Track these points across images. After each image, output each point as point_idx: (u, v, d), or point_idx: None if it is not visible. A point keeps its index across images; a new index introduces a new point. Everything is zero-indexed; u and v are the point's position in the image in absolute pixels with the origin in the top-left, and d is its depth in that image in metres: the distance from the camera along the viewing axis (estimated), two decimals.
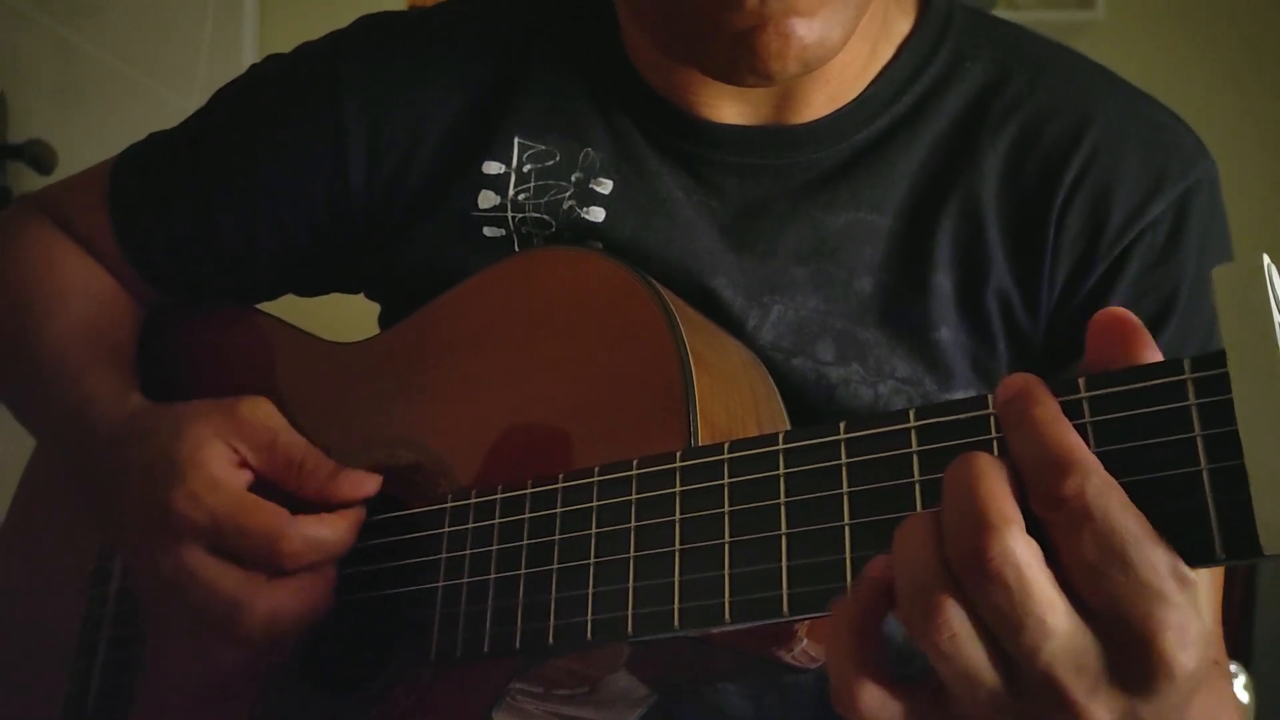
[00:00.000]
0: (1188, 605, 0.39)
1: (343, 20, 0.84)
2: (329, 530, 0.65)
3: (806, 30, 0.60)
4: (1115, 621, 0.39)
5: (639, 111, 0.75)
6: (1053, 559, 0.40)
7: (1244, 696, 1.85)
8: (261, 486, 0.67)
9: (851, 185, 0.73)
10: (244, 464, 0.67)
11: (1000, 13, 2.75)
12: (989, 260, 0.71)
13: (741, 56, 0.61)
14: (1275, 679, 2.18)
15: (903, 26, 0.75)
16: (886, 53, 0.74)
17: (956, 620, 0.41)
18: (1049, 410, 0.42)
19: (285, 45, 0.86)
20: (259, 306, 0.87)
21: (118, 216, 0.85)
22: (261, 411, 0.68)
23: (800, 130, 0.73)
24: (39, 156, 1.99)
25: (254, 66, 0.85)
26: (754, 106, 0.73)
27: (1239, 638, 2.14)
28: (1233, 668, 1.88)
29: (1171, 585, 0.39)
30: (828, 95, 0.73)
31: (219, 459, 0.66)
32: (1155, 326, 0.69)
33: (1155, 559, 0.39)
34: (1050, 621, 0.39)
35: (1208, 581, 0.42)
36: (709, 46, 0.63)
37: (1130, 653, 0.39)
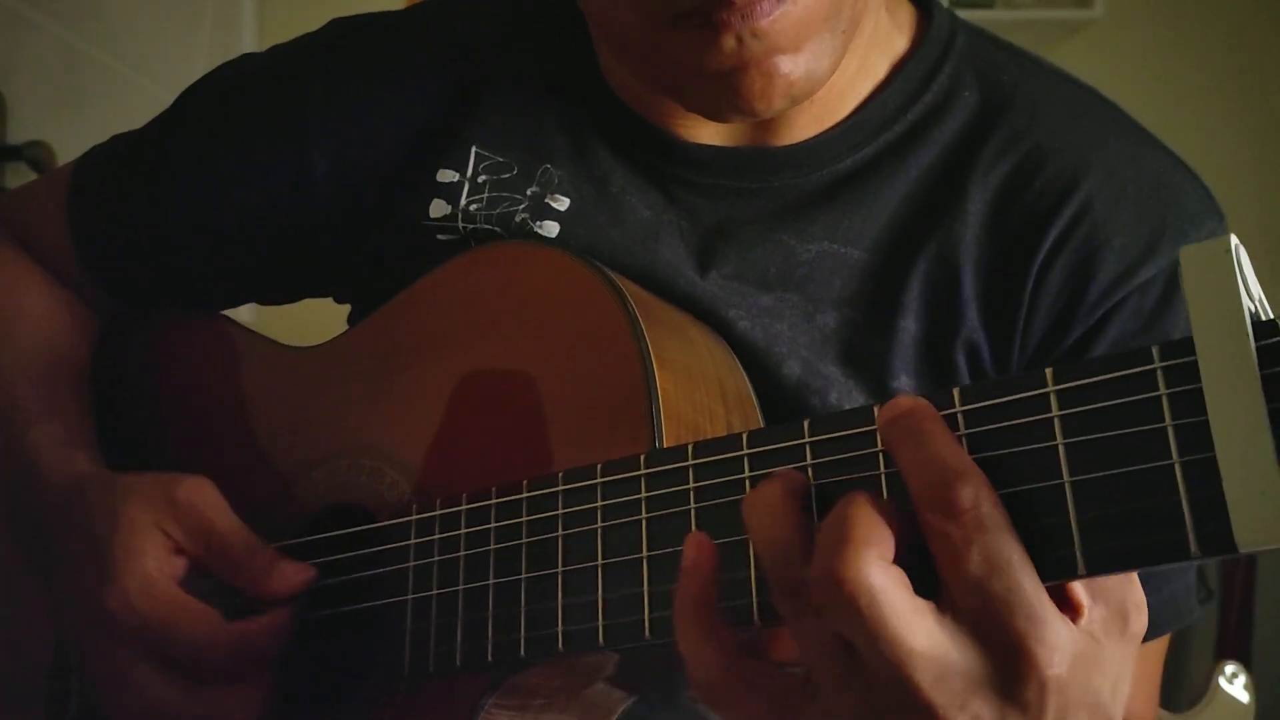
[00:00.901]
0: (1060, 623, 0.41)
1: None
2: (259, 634, 0.63)
3: (792, 67, 0.58)
4: (992, 636, 0.40)
5: (611, 128, 0.73)
6: (924, 578, 0.42)
7: (1244, 696, 1.85)
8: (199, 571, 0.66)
9: (828, 215, 0.69)
10: (180, 549, 0.66)
11: (999, 11, 2.76)
12: (961, 310, 0.67)
13: (724, 96, 0.59)
14: (1275, 679, 2.18)
15: (899, 44, 0.72)
16: (879, 69, 0.71)
17: (818, 631, 0.42)
18: (943, 425, 0.42)
19: None
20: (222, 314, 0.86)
21: (76, 223, 0.83)
22: (199, 496, 0.66)
23: (781, 153, 0.70)
24: (38, 157, 1.99)
25: (224, 66, 0.84)
26: (733, 127, 0.71)
27: (1239, 638, 2.14)
28: (1232, 668, 1.88)
29: (1044, 600, 0.40)
30: (811, 116, 0.70)
31: (153, 548, 0.65)
32: None
33: (1032, 575, 0.40)
34: (909, 644, 0.40)
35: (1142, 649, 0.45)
36: (690, 87, 0.61)
37: (1003, 664, 0.40)
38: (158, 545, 0.65)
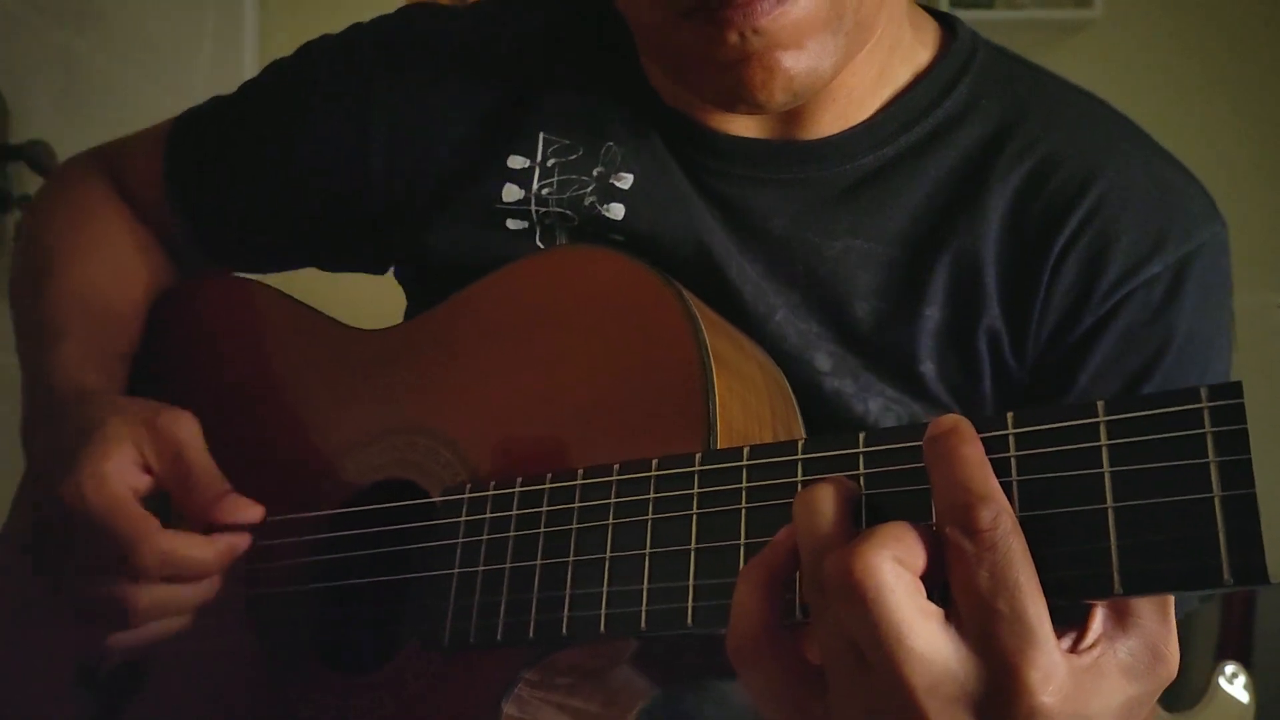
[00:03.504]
0: (1058, 653, 0.41)
1: (341, 25, 0.86)
2: (195, 550, 0.67)
3: (794, 62, 0.61)
4: (989, 651, 0.41)
5: (654, 119, 0.77)
6: (934, 586, 0.43)
7: (1244, 697, 1.85)
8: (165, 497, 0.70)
9: (852, 212, 0.73)
10: (148, 468, 0.70)
11: (999, 12, 2.76)
12: (983, 300, 0.71)
13: (730, 88, 0.63)
14: (1275, 679, 2.18)
15: (922, 57, 0.75)
16: (901, 77, 0.74)
17: (834, 630, 0.43)
18: (978, 449, 0.44)
19: (285, 50, 0.88)
20: (287, 293, 0.89)
21: (170, 175, 0.88)
22: (177, 423, 0.70)
23: (807, 146, 0.74)
24: (38, 157, 1.99)
25: (307, 45, 0.88)
26: (762, 119, 0.74)
27: (1239, 638, 2.14)
28: (1232, 668, 1.88)
29: (1047, 629, 0.41)
30: (834, 114, 0.73)
31: (120, 455, 0.68)
32: (1138, 381, 0.70)
33: (1038, 602, 0.41)
34: (909, 643, 0.41)
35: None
36: (701, 77, 0.65)
37: (996, 682, 0.41)
38: (124, 454, 0.69)
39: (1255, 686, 1.87)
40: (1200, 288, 0.69)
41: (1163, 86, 2.59)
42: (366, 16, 0.86)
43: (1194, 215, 0.71)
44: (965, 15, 0.78)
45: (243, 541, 0.69)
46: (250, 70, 2.20)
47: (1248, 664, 1.95)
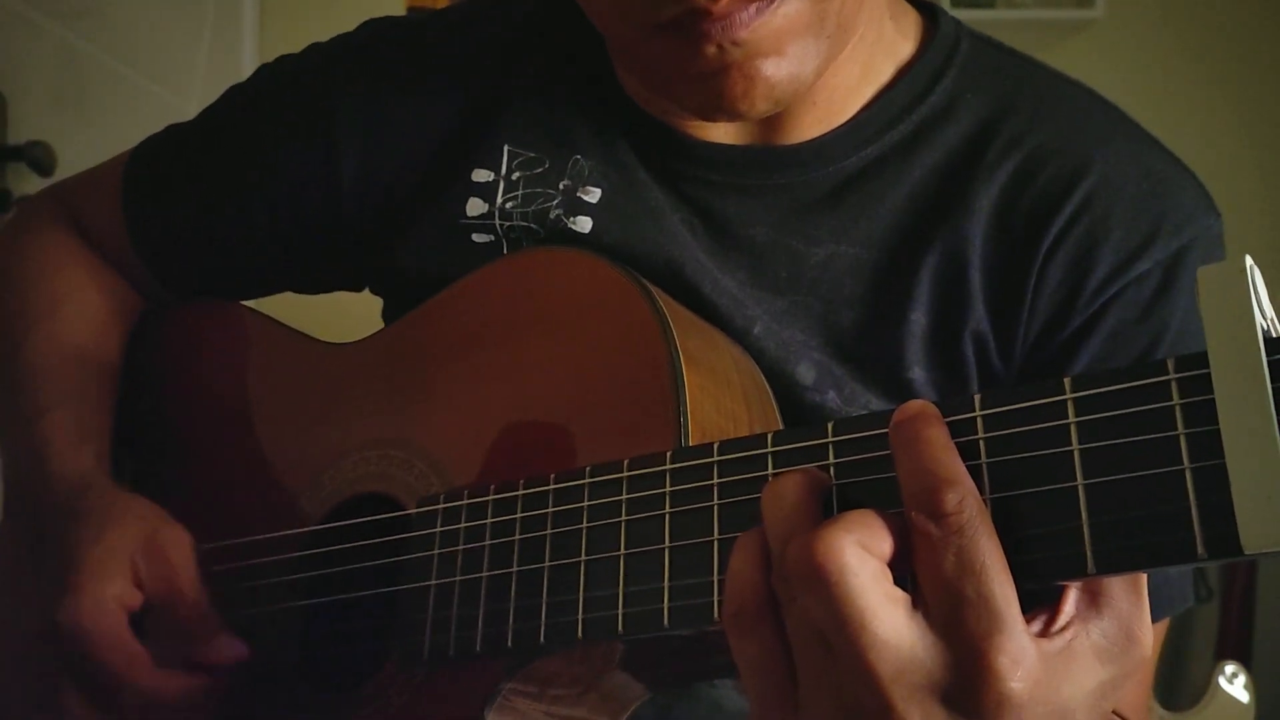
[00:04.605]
0: (1027, 638, 0.41)
1: (340, 25, 0.85)
2: (176, 691, 0.66)
3: (775, 70, 0.59)
4: (956, 638, 0.40)
5: (627, 127, 0.75)
6: (903, 574, 0.42)
7: (1244, 696, 1.85)
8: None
9: (836, 216, 0.71)
10: (140, 585, 0.69)
11: (1000, 11, 2.75)
12: (969, 302, 0.69)
13: (710, 98, 0.61)
14: (1275, 679, 2.18)
15: (904, 49, 0.73)
16: (884, 73, 0.72)
17: (801, 620, 0.43)
18: (943, 432, 0.43)
19: (284, 49, 0.87)
20: (256, 307, 0.88)
21: (129, 210, 0.87)
22: (174, 547, 0.69)
23: (787, 151, 0.72)
24: (39, 158, 1.99)
25: (263, 67, 0.87)
26: (741, 127, 0.72)
27: (1239, 637, 2.14)
28: (1232, 667, 1.88)
29: (1015, 613, 0.40)
30: (815, 117, 0.71)
31: (120, 576, 0.68)
32: None
33: (1006, 585, 0.41)
34: (873, 629, 0.40)
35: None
36: (679, 88, 0.63)
37: (963, 669, 0.41)
38: (123, 573, 0.68)
39: (1255, 686, 1.87)
40: (1191, 284, 0.66)
41: (1163, 86, 2.59)
42: (364, 16, 0.85)
43: (1187, 209, 0.69)
44: (965, 15, 0.77)
45: (222, 684, 0.68)
46: (249, 69, 2.21)
47: (1248, 664, 1.95)
